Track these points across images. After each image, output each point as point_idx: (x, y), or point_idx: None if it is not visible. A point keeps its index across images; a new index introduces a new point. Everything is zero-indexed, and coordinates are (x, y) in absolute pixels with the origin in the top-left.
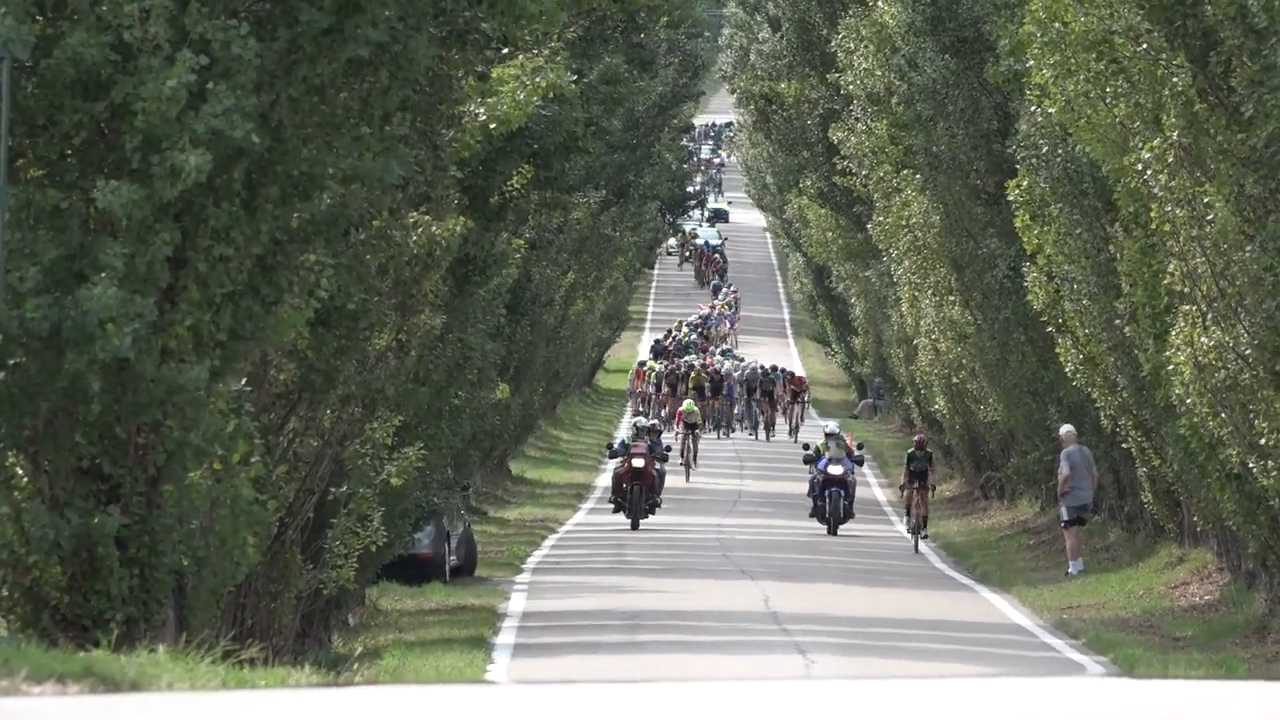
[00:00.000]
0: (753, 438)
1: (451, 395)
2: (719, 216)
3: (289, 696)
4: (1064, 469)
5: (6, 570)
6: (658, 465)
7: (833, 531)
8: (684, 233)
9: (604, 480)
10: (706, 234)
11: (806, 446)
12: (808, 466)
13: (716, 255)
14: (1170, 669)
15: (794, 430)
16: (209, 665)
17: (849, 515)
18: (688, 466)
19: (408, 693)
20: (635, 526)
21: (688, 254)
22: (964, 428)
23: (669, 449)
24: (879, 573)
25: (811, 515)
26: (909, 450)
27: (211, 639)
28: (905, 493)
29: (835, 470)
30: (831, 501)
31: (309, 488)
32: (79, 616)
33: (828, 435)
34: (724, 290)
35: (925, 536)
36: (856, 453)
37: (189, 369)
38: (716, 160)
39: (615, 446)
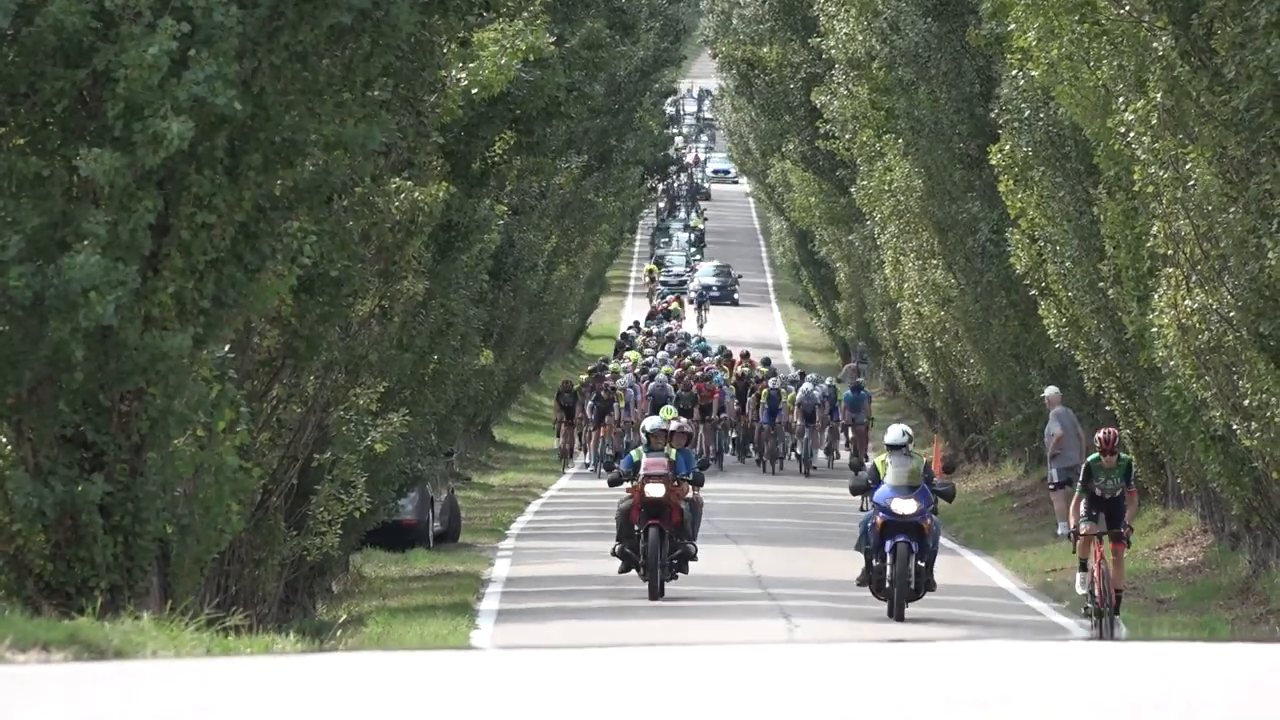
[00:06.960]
0: None
1: (435, 361)
2: (699, 240)
3: (273, 663)
4: (1055, 430)
5: None
6: (689, 493)
7: (897, 614)
8: (657, 265)
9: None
10: (704, 273)
11: (858, 467)
12: (858, 498)
13: (702, 309)
14: (1154, 631)
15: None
16: (193, 633)
17: (927, 585)
18: None
19: (392, 659)
20: (658, 593)
21: (660, 293)
22: (947, 391)
23: (706, 462)
24: None
25: (861, 583)
26: (1091, 458)
27: (195, 606)
28: (1080, 538)
29: (904, 508)
30: (897, 561)
31: (293, 454)
32: (63, 584)
33: (891, 447)
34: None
35: (1120, 593)
36: (940, 478)
37: (172, 336)
38: (691, 158)
39: (621, 467)
